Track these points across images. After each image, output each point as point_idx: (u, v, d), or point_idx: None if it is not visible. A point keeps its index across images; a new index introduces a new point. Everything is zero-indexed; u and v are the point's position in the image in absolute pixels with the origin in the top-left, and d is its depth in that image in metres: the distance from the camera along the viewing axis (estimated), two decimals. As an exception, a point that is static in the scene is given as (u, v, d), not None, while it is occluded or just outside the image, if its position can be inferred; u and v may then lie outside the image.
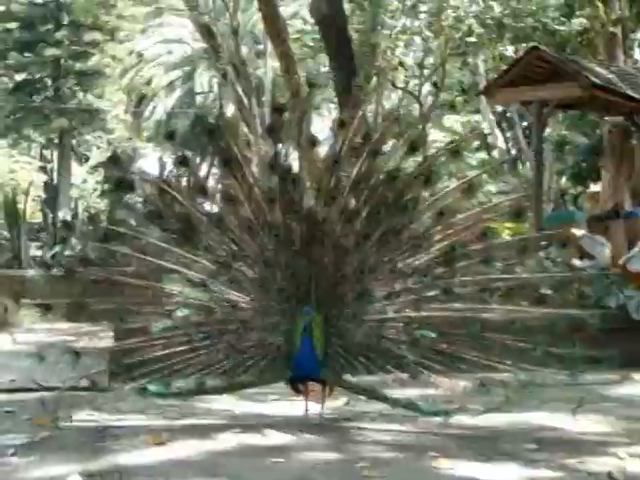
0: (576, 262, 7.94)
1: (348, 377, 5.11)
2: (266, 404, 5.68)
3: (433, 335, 4.96)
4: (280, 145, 5.04)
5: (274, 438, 4.71)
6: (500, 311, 5.00)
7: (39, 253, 10.40)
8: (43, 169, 30.55)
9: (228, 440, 4.63)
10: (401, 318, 5.06)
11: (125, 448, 4.46)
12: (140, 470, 4.06)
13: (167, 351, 4.98)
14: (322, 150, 5.11)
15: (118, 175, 5.11)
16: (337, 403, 5.43)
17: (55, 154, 32.50)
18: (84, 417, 5.15)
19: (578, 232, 9.14)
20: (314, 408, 5.13)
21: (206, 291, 5.05)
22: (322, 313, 5.01)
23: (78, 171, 34.12)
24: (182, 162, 5.14)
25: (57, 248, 10.29)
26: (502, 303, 5.00)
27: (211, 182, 5.18)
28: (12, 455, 4.35)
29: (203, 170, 5.24)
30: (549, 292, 5.06)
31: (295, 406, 5.32)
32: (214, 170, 5.27)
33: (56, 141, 31.95)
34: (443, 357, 4.98)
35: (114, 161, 5.17)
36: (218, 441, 4.61)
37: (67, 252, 10.19)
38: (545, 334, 4.94)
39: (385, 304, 5.07)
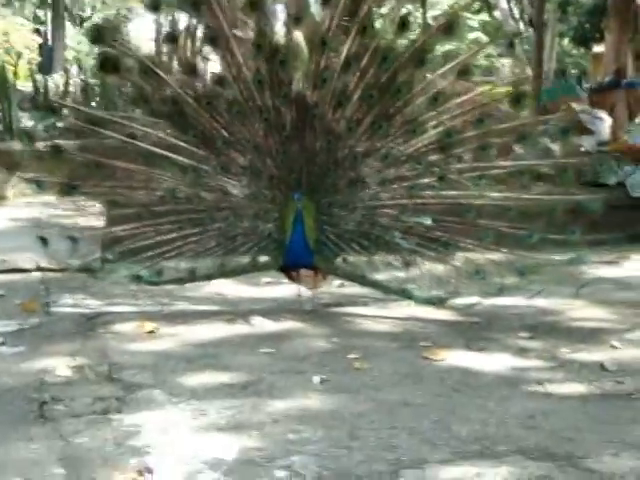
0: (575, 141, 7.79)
1: (341, 264, 5.06)
2: (258, 287, 5.69)
3: (428, 222, 4.89)
4: (264, 23, 4.85)
5: (266, 326, 4.69)
6: (496, 198, 4.90)
7: (32, 123, 10.16)
8: (37, 31, 29.87)
9: (218, 329, 4.60)
10: (395, 205, 4.98)
11: (115, 337, 4.44)
12: (129, 362, 4.03)
13: (158, 238, 4.92)
14: (309, 29, 4.90)
15: (102, 52, 4.90)
16: (330, 287, 5.39)
17: (49, 15, 31.72)
18: (75, 302, 5.11)
19: (577, 106, 8.97)
20: (307, 293, 5.11)
21: (196, 176, 4.95)
22: (314, 200, 4.94)
23: (72, 32, 33.39)
24: (171, 39, 4.96)
25: (50, 119, 10.08)
26: (499, 190, 4.90)
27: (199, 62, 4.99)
28: (1, 345, 4.32)
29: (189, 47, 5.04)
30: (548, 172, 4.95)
31: (288, 290, 5.30)
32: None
33: (50, 1, 31.14)
34: (437, 244, 4.91)
35: (96, 35, 4.90)
36: (208, 329, 4.58)
37: (59, 124, 10.06)
38: (543, 220, 4.85)
39: (378, 191, 4.99)
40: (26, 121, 10.19)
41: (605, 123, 8.65)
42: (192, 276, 5.05)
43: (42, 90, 11.02)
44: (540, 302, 5.19)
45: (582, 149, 7.74)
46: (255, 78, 4.87)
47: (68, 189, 4.93)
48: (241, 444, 3.05)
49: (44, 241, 4.93)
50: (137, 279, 4.92)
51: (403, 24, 4.85)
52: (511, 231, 4.86)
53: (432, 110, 4.93)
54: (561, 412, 3.48)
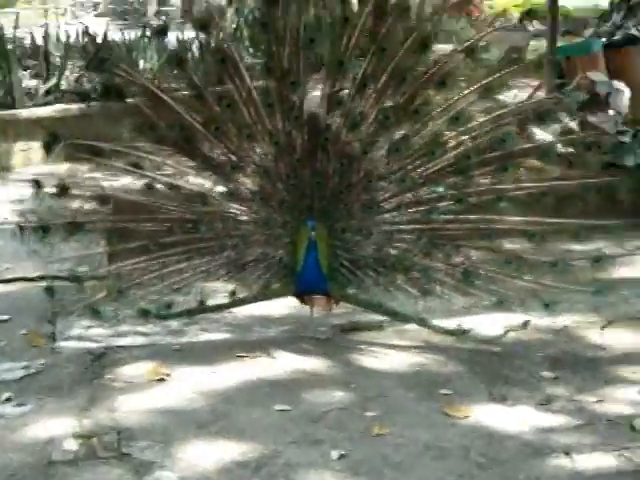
0: (591, 118, 7.46)
1: (356, 291, 4.86)
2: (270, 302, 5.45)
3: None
4: (274, 43, 4.62)
5: (279, 368, 4.50)
6: (519, 222, 4.67)
7: (33, 83, 9.82)
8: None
9: (230, 373, 4.42)
10: (412, 230, 4.76)
11: (124, 389, 4.26)
12: (138, 427, 3.87)
13: (165, 270, 4.73)
14: (323, 49, 4.65)
15: (104, 80, 4.68)
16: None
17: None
18: (81, 332, 4.93)
19: (595, 76, 8.57)
20: (320, 314, 4.95)
21: (204, 205, 4.75)
22: (327, 225, 4.73)
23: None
24: (178, 63, 4.76)
25: (52, 80, 9.75)
26: (520, 214, 4.66)
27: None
28: (6, 401, 4.15)
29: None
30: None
31: (300, 307, 5.09)
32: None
33: None
34: (456, 271, 4.70)
35: (99, 61, 4.69)
36: (219, 375, 4.40)
37: (64, 86, 9.75)
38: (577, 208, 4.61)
39: (394, 215, 4.77)
40: (28, 80, 9.87)
41: (624, 95, 8.27)
42: (202, 307, 4.89)
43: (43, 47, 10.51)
44: (562, 319, 4.96)
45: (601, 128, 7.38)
46: (265, 101, 4.65)
47: (72, 228, 4.69)
48: None
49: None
50: (145, 314, 4.74)
51: (424, 45, 4.56)
52: (534, 257, 4.64)
53: (452, 131, 4.67)
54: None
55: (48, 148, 4.82)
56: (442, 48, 4.72)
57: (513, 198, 4.65)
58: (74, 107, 9.28)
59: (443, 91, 4.65)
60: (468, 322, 4.80)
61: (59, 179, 4.73)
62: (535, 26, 14.33)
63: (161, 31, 5.59)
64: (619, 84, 8.37)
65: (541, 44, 11.41)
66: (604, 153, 5.64)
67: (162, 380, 4.35)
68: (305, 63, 4.62)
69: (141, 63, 10.10)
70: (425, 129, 4.67)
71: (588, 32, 11.33)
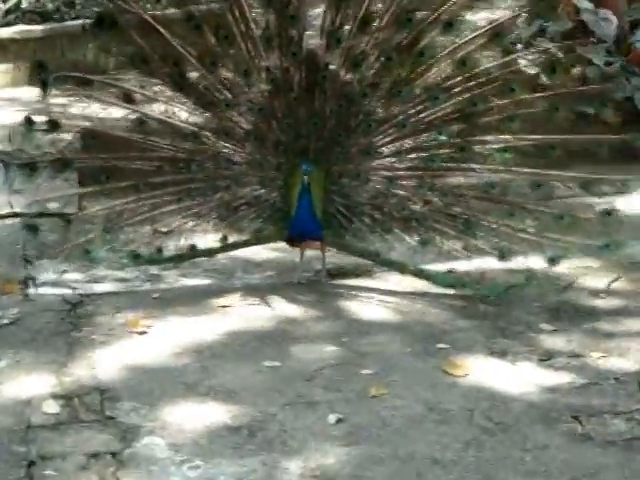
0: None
1: (352, 239, 4.64)
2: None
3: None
4: None
5: (265, 317, 4.27)
6: (523, 173, 4.44)
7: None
8: None
9: (215, 325, 4.18)
10: (411, 177, 4.54)
11: (104, 342, 4.02)
12: (122, 386, 3.64)
13: (155, 212, 4.49)
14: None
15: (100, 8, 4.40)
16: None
17: None
18: (57, 277, 4.66)
19: (580, 3, 8.23)
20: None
21: (196, 143, 4.51)
22: (323, 169, 4.51)
23: None
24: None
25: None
26: (526, 164, 4.43)
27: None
28: (-21, 354, 3.90)
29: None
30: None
31: (286, 248, 4.86)
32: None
33: None
34: (457, 222, 4.48)
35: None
36: (204, 327, 4.15)
37: (24, 5, 9.23)
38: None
39: (393, 161, 4.55)
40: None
41: (612, 25, 7.95)
42: (193, 252, 4.66)
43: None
44: (559, 267, 4.73)
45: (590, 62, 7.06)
46: (263, 35, 4.39)
47: (61, 166, 4.42)
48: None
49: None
50: (136, 258, 4.51)
51: None
52: (540, 209, 4.42)
53: (458, 75, 4.42)
54: (608, 469, 3.17)
55: (44, 85, 4.46)
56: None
57: (519, 148, 4.42)
58: (37, 28, 8.81)
59: (450, 33, 4.39)
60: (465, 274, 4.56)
61: (49, 113, 4.46)
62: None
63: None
64: (606, 12, 8.01)
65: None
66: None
67: (144, 333, 4.11)
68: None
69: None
70: (429, 72, 4.43)
71: None
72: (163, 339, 4.05)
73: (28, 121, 4.45)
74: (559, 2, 8.19)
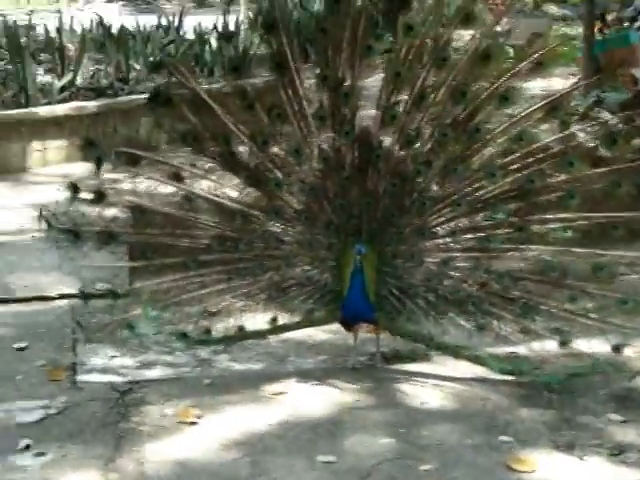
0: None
1: (405, 322, 4.47)
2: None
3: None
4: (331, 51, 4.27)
5: (319, 407, 4.10)
6: (584, 254, 4.27)
7: (47, 79, 9.37)
8: None
9: (266, 415, 4.02)
10: (467, 259, 4.38)
11: (152, 435, 3.87)
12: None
13: (203, 291, 4.39)
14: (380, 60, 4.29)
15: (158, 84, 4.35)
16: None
17: None
18: (105, 362, 4.57)
19: (638, 72, 8.12)
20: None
21: (245, 222, 4.42)
22: (375, 249, 4.37)
23: None
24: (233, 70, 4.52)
25: (68, 76, 9.31)
26: (587, 245, 4.26)
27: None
28: (25, 449, 3.77)
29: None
30: None
31: (339, 330, 4.70)
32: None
33: None
34: (515, 305, 4.30)
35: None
36: (255, 418, 3.99)
37: (79, 81, 9.31)
38: None
39: (448, 242, 4.40)
40: (42, 76, 9.43)
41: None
42: (242, 334, 4.53)
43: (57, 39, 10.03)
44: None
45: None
46: (317, 113, 4.30)
47: (107, 238, 4.37)
48: None
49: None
50: (183, 338, 4.40)
51: (487, 56, 4.17)
52: (602, 292, 4.23)
53: (515, 151, 4.28)
54: None
55: (98, 164, 4.43)
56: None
57: (579, 228, 4.26)
58: (90, 104, 8.88)
59: (506, 106, 4.26)
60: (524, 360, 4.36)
61: (96, 185, 4.41)
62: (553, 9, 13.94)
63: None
64: (665, 81, 7.90)
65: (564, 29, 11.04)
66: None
67: (194, 423, 3.96)
68: (360, 72, 4.26)
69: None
70: (486, 148, 4.30)
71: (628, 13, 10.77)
72: (214, 431, 3.89)
73: (73, 188, 4.40)
74: (617, 73, 8.08)
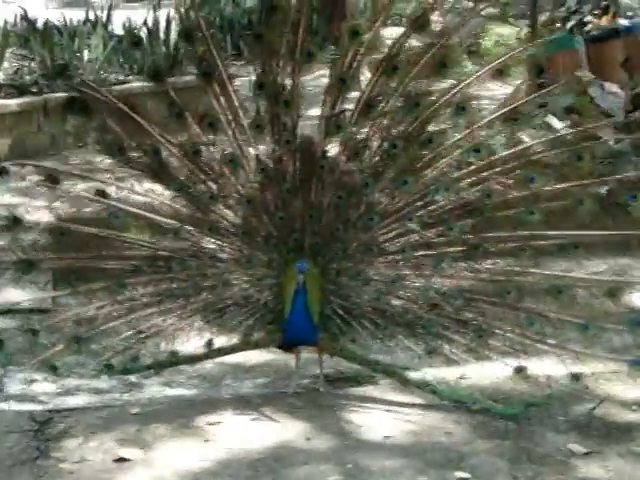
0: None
1: (349, 344, 4.19)
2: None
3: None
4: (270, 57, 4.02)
5: (260, 442, 3.77)
6: (544, 276, 4.01)
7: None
8: None
9: (203, 451, 3.68)
10: (418, 277, 4.11)
11: (74, 473, 3.50)
12: None
13: (132, 316, 4.08)
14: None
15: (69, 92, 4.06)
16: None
17: None
18: (25, 386, 4.19)
19: (584, 75, 7.93)
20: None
21: (178, 240, 4.12)
22: (319, 266, 4.11)
23: None
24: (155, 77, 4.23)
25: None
26: (546, 267, 4.01)
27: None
28: None
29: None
30: None
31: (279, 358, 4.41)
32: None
33: None
34: (468, 329, 4.04)
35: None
36: (191, 454, 3.64)
37: (1, 78, 8.78)
38: None
39: (398, 259, 4.14)
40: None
41: (619, 99, 7.66)
42: (175, 359, 4.24)
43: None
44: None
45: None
46: (253, 122, 4.04)
47: (26, 267, 4.05)
48: None
49: None
50: (108, 369, 4.11)
51: (442, 64, 3.90)
52: (561, 317, 3.98)
53: (471, 165, 4.01)
54: None
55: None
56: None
57: (539, 248, 3.99)
58: (12, 102, 8.39)
59: (462, 116, 3.98)
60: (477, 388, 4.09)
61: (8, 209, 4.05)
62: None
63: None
64: (612, 86, 7.70)
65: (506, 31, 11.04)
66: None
67: (121, 460, 3.60)
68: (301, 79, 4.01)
69: (85, 53, 9.22)
70: (439, 161, 4.02)
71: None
72: (142, 471, 3.54)
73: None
74: (557, 72, 7.87)
